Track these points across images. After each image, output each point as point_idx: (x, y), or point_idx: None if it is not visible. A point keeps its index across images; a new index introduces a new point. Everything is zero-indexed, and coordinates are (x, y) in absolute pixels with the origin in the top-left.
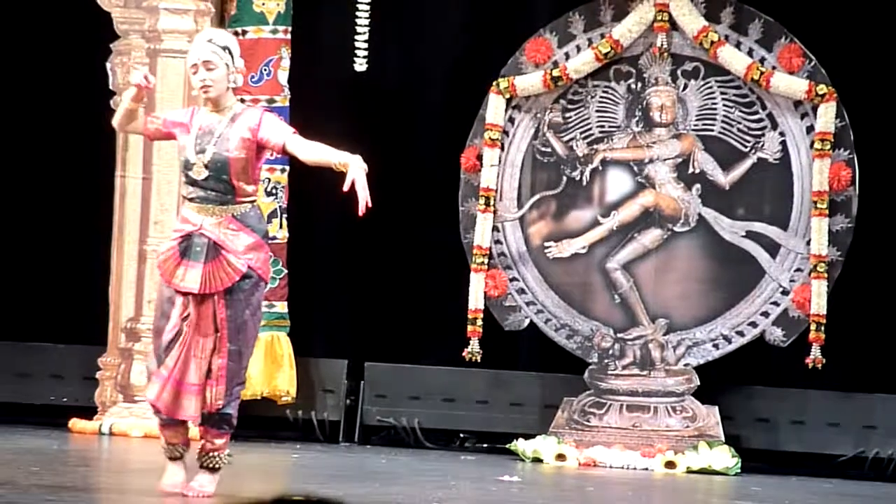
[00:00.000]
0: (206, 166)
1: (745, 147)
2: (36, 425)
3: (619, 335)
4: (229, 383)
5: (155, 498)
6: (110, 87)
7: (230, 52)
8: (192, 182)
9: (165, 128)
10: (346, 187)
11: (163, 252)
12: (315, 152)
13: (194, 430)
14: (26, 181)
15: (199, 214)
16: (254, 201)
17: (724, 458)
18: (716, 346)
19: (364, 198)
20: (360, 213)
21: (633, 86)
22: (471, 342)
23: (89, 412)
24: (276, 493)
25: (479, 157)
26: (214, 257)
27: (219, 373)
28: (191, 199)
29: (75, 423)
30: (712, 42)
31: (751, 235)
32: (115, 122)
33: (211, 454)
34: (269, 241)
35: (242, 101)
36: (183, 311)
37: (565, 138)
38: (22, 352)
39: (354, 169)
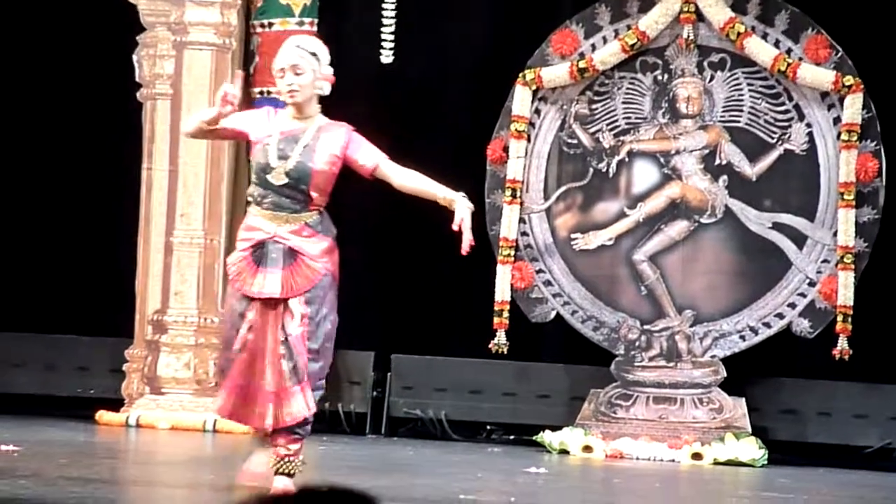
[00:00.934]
0: (286, 173)
1: (772, 138)
2: (63, 417)
3: (646, 327)
4: (311, 384)
5: (182, 489)
6: (136, 80)
7: (318, 59)
8: (266, 185)
9: (241, 127)
10: (455, 226)
11: (234, 263)
12: (414, 181)
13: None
14: (53, 174)
15: (271, 222)
16: (322, 209)
17: (751, 449)
18: (742, 337)
19: (468, 239)
20: (464, 253)
21: (659, 77)
22: (497, 334)
23: (116, 404)
24: (302, 484)
25: (506, 149)
26: (292, 262)
27: (298, 376)
28: (260, 204)
29: (102, 415)
30: (739, 33)
31: (777, 227)
32: (187, 131)
33: (286, 460)
34: None
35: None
36: (252, 324)
37: (592, 130)
38: (49, 344)
39: (462, 209)
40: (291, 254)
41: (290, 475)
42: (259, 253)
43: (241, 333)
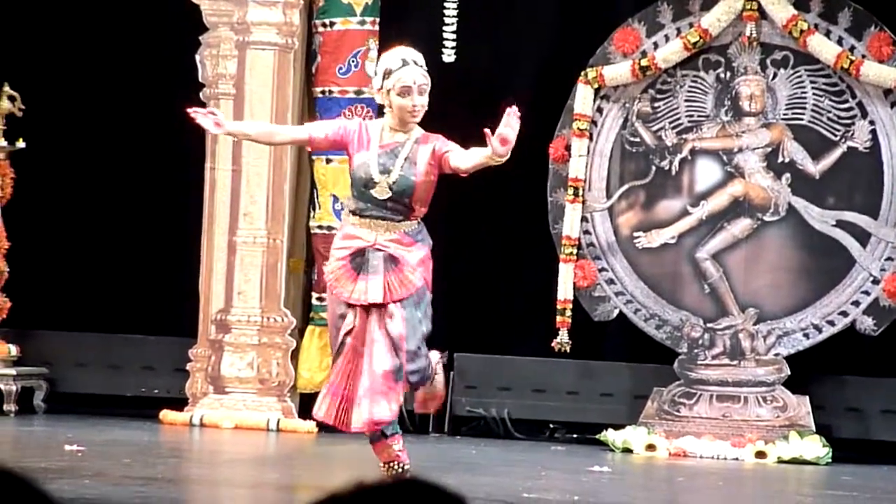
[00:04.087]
0: (390, 187)
1: (835, 136)
2: (127, 417)
3: (709, 325)
4: (412, 385)
5: (244, 489)
6: (200, 80)
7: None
8: (368, 199)
9: (342, 138)
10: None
11: (332, 270)
12: (472, 156)
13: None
14: (118, 175)
15: (371, 231)
16: (420, 219)
17: (815, 447)
18: (806, 335)
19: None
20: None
21: (722, 75)
22: (560, 333)
23: (180, 404)
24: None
25: (568, 148)
26: (392, 269)
27: (397, 376)
28: (360, 215)
29: (166, 414)
30: (802, 31)
31: (841, 224)
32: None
33: (392, 464)
34: None
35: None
36: (353, 329)
37: (654, 128)
38: (114, 344)
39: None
40: (392, 260)
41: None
42: (359, 260)
43: (339, 338)
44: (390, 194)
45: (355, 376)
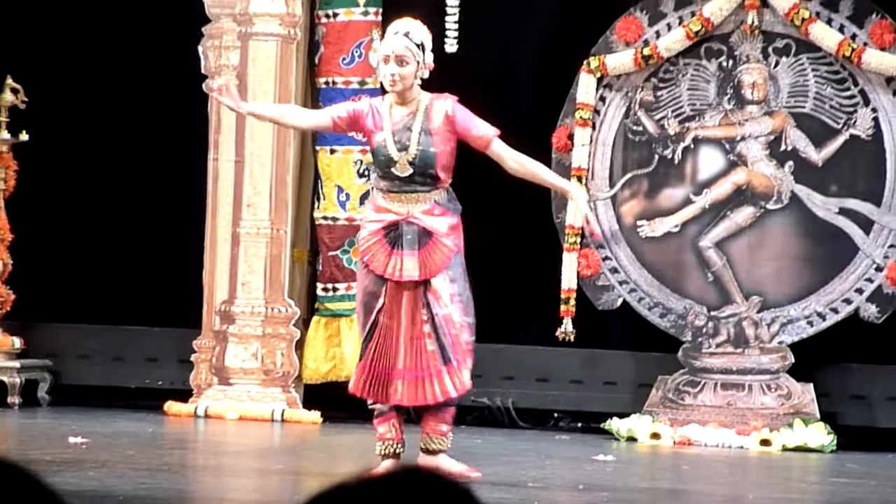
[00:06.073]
0: (410, 163)
1: (838, 124)
2: (132, 408)
3: (713, 313)
4: (465, 359)
5: (249, 479)
6: (202, 71)
7: (423, 49)
8: (392, 177)
9: (355, 120)
10: (578, 223)
11: (366, 245)
12: (531, 165)
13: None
14: (121, 167)
15: (402, 204)
16: (448, 185)
17: (820, 435)
18: (810, 323)
19: (596, 230)
20: (597, 238)
21: (724, 63)
22: (564, 322)
23: (184, 395)
24: (363, 472)
25: (571, 137)
26: (426, 242)
27: (460, 350)
28: (387, 191)
29: (170, 405)
30: (803, 19)
31: (844, 212)
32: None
33: (433, 437)
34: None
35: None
36: (384, 304)
37: (657, 117)
38: (118, 335)
39: (582, 204)
40: (426, 234)
41: (436, 453)
42: (393, 235)
43: (373, 316)
44: (412, 170)
45: (389, 354)
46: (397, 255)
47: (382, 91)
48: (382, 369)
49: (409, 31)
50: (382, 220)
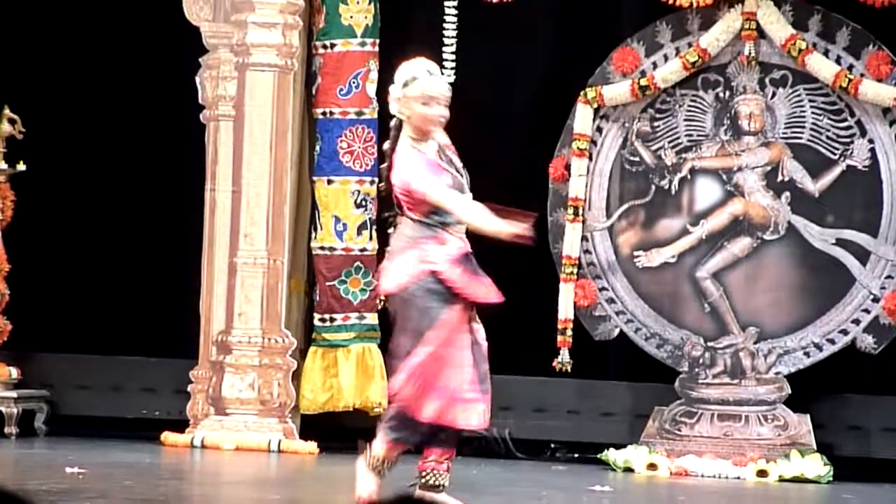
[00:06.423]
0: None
1: (834, 154)
2: (128, 439)
3: (710, 344)
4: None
5: None
6: (200, 102)
7: None
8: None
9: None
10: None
11: (454, 278)
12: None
13: None
14: (118, 197)
15: (455, 236)
16: None
17: (816, 466)
18: (807, 353)
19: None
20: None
21: (721, 94)
22: (561, 352)
23: (181, 425)
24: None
25: (568, 167)
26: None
27: (483, 386)
28: (447, 226)
29: (167, 436)
30: (800, 50)
31: (841, 243)
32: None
33: (434, 472)
34: (361, 253)
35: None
36: (445, 326)
37: (653, 147)
38: (114, 366)
39: (505, 228)
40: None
41: (436, 488)
42: (469, 264)
43: (447, 334)
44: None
45: (443, 367)
46: (481, 281)
47: (379, 121)
48: (433, 382)
49: (442, 73)
50: (458, 252)
